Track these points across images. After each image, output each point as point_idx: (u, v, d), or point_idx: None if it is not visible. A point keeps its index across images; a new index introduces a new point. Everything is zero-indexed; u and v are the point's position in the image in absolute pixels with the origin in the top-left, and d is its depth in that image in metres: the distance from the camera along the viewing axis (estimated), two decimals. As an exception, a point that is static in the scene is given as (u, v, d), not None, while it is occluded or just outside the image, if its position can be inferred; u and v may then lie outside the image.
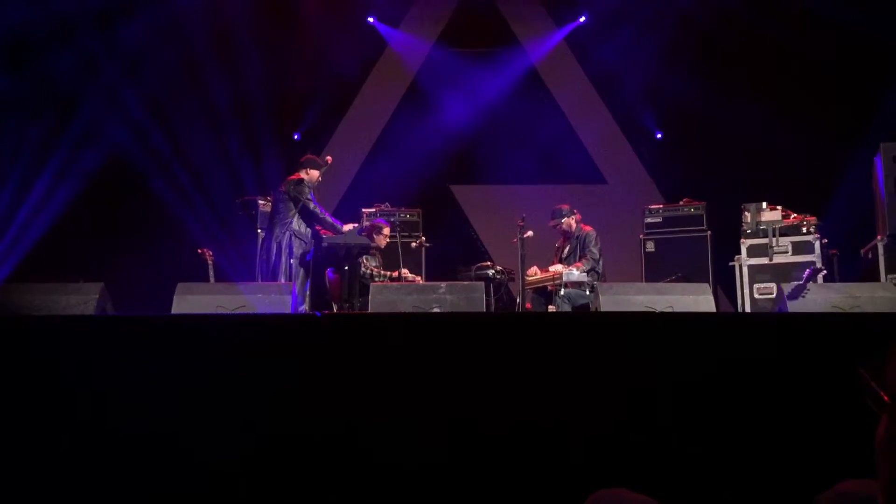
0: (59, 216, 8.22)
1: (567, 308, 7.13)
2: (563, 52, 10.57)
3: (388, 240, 7.78)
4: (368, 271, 7.66)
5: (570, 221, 7.80)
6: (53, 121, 8.30)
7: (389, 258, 7.87)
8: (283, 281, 6.81)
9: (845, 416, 2.78)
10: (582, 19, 10.34)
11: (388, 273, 7.73)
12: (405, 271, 7.68)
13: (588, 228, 7.78)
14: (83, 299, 5.29)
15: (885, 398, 0.79)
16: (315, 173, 7.34)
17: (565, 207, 7.86)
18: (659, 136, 10.29)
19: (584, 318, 5.60)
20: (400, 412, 3.98)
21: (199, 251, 7.30)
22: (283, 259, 7.02)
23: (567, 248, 7.78)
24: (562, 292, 7.21)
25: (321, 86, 10.11)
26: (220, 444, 3.91)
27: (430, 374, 4.08)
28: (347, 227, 7.28)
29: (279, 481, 3.88)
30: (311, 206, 7.14)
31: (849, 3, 8.30)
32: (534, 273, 7.61)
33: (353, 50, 10.09)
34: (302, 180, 7.19)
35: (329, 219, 7.24)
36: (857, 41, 8.32)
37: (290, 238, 7.08)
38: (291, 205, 7.13)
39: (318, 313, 4.88)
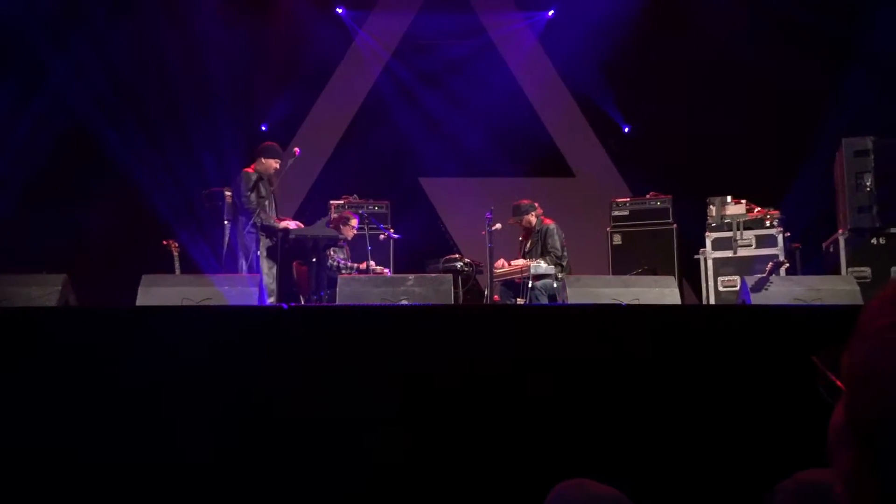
0: (17, 205, 8.03)
1: (544, 299, 7.10)
2: (531, 46, 10.60)
3: (355, 231, 7.74)
4: (336, 263, 7.62)
5: (530, 218, 7.66)
6: (12, 103, 8.11)
7: (357, 250, 7.83)
8: (249, 273, 6.74)
9: (805, 406, 2.83)
10: (551, 13, 10.38)
11: (356, 265, 7.69)
12: (373, 263, 7.65)
13: (549, 222, 7.66)
14: (45, 291, 5.21)
15: (841, 386, 0.80)
16: (271, 162, 7.02)
17: (525, 203, 7.74)
18: (626, 129, 10.36)
19: (552, 311, 5.64)
20: (367, 405, 3.98)
21: (165, 242, 7.20)
22: (250, 250, 6.93)
23: (529, 243, 7.69)
24: (530, 284, 7.19)
25: (289, 76, 10.03)
26: (186, 438, 3.88)
27: (397, 367, 4.08)
28: (285, 223, 7.01)
29: (244, 476, 3.86)
30: (247, 201, 6.79)
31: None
32: (501, 265, 7.60)
33: (321, 40, 10.02)
34: (247, 173, 6.96)
35: (270, 220, 6.87)
36: (814, 35, 8.42)
37: (257, 229, 6.98)
38: (253, 196, 6.98)
39: (284, 305, 4.85)
